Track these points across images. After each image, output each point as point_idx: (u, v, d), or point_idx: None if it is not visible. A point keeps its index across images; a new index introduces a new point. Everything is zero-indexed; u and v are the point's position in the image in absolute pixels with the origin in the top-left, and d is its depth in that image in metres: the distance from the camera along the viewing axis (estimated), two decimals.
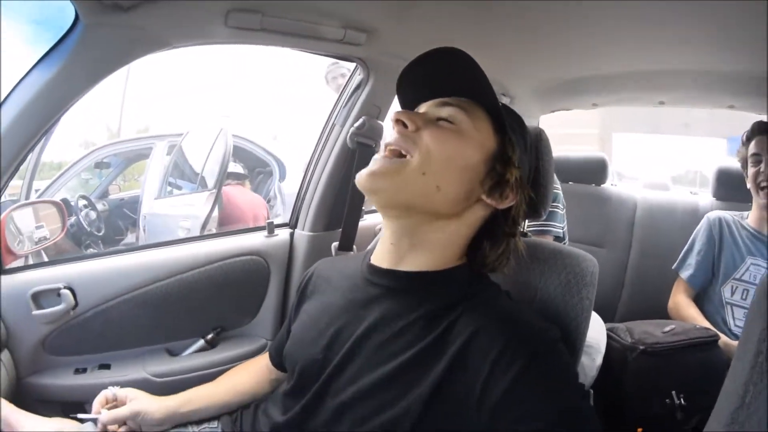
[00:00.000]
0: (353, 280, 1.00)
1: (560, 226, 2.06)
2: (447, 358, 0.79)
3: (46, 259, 2.46)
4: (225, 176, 3.49)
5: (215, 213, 3.42)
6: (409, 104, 1.02)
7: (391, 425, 0.79)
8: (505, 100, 2.26)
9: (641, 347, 1.77)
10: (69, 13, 1.08)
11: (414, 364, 0.82)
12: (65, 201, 4.39)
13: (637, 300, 2.54)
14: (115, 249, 1.49)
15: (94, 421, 1.12)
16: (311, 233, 1.79)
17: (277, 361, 1.21)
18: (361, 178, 0.89)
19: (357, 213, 1.76)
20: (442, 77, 0.94)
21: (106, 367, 1.55)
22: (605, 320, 1.89)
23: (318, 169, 1.79)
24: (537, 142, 1.09)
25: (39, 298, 1.45)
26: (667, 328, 1.83)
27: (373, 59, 1.62)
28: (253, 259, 1.73)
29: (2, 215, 1.45)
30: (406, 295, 0.90)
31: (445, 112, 0.91)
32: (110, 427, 1.11)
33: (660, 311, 2.15)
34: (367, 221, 2.01)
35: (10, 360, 1.41)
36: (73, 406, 1.16)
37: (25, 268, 1.54)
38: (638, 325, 1.93)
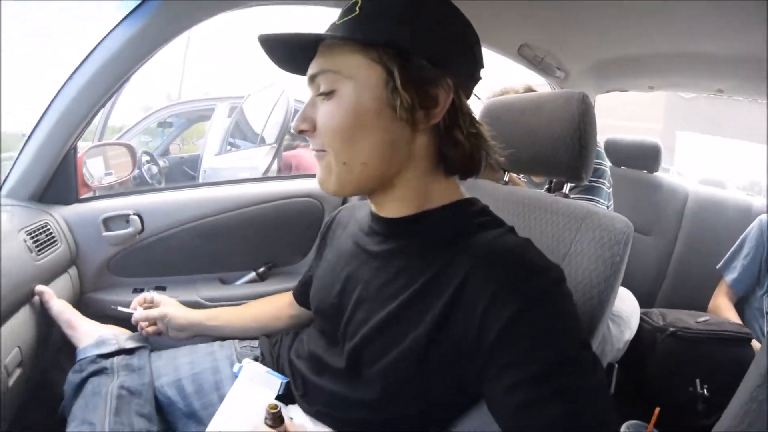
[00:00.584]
0: (362, 226, 1.00)
1: (604, 203, 2.03)
2: (445, 296, 0.77)
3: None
4: (285, 133, 3.54)
5: (274, 167, 3.48)
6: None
7: (395, 366, 0.80)
8: (559, 74, 2.26)
9: (671, 329, 1.79)
10: None
11: (413, 304, 0.81)
12: None
13: (678, 292, 2.48)
14: (180, 184, 1.59)
15: (129, 316, 1.26)
16: None
17: (301, 299, 1.28)
18: (320, 187, 0.89)
19: None
20: (295, 57, 0.87)
21: (161, 288, 1.68)
22: (643, 306, 1.89)
23: None
24: (579, 106, 1.08)
25: (109, 222, 1.60)
26: (701, 319, 1.84)
27: None
28: (309, 201, 1.83)
29: (80, 154, 1.57)
30: (402, 238, 0.89)
31: (321, 83, 0.83)
32: (141, 324, 1.25)
33: (699, 307, 2.11)
34: None
35: (77, 276, 1.56)
36: (127, 321, 1.28)
37: (98, 197, 1.68)
38: (673, 312, 1.95)
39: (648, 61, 2.09)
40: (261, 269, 1.81)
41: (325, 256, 1.12)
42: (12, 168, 1.49)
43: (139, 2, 1.26)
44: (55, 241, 1.42)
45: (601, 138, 2.80)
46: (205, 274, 1.77)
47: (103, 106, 1.43)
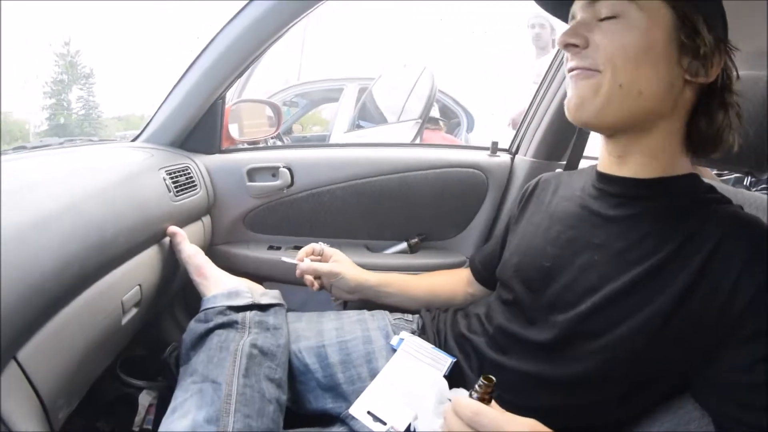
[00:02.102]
0: (585, 189, 0.94)
1: None
2: (694, 265, 0.74)
3: None
4: (430, 109, 3.45)
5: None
6: (557, 7, 0.94)
7: (630, 338, 0.76)
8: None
9: None
10: None
11: (657, 273, 0.77)
12: None
13: None
14: (337, 143, 1.50)
15: (295, 266, 1.20)
16: (533, 159, 1.67)
17: (483, 275, 1.20)
18: (568, 111, 0.84)
19: (583, 144, 1.61)
20: None
21: (299, 248, 1.55)
22: None
23: (548, 96, 1.65)
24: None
25: (254, 174, 1.53)
26: None
27: None
28: (474, 172, 1.64)
29: (228, 105, 1.54)
30: (641, 202, 0.84)
31: (602, 8, 0.80)
32: (307, 277, 1.18)
33: None
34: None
35: (210, 225, 1.52)
36: (259, 280, 1.20)
37: (244, 149, 1.63)
38: None
39: None
40: (413, 240, 1.64)
41: (529, 220, 1.04)
42: (154, 115, 1.49)
43: None
44: (195, 185, 1.39)
45: None
46: (351, 239, 1.65)
47: (255, 60, 1.40)
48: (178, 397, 0.87)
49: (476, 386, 0.69)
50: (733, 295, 0.70)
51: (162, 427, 0.83)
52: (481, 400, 0.68)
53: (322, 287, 1.20)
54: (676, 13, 0.77)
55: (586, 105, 0.81)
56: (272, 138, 2.23)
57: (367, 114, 4.07)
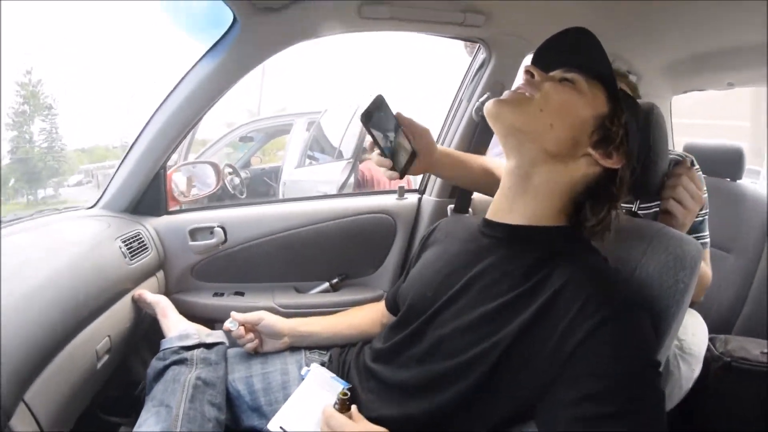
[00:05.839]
0: (470, 232, 1.11)
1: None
2: (537, 305, 0.86)
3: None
4: (362, 149, 3.67)
5: (351, 180, 3.62)
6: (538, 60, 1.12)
7: (480, 357, 0.88)
8: (631, 78, 2.18)
9: (726, 359, 1.62)
10: (227, 15, 1.36)
11: (509, 307, 0.89)
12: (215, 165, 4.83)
13: (760, 318, 2.09)
14: (262, 200, 1.69)
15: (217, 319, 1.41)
16: (438, 199, 1.91)
17: (392, 305, 1.32)
18: (489, 104, 0.99)
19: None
20: (568, 51, 1.03)
21: (240, 293, 1.85)
22: (719, 332, 1.75)
23: (447, 140, 1.90)
24: (648, 116, 1.06)
25: (195, 233, 1.77)
26: (766, 350, 1.65)
27: (494, 39, 1.71)
28: (382, 216, 1.91)
29: (169, 171, 1.76)
30: (512, 246, 0.99)
31: (568, 75, 1.00)
32: (248, 346, 1.31)
33: None
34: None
35: (164, 278, 1.76)
36: (208, 322, 1.46)
37: (186, 210, 1.85)
38: (741, 340, 1.73)
39: (726, 57, 1.97)
40: (334, 280, 1.90)
41: (425, 256, 1.22)
42: (109, 183, 1.71)
43: (222, 34, 1.43)
44: (146, 248, 1.62)
45: (681, 140, 2.63)
46: (282, 283, 1.89)
47: (191, 129, 1.63)
48: (142, 416, 1.10)
49: (336, 398, 0.95)
50: (565, 337, 0.80)
51: None
52: (341, 409, 0.94)
53: (256, 348, 1.31)
54: (609, 108, 0.97)
55: (504, 108, 0.98)
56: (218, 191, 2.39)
57: (317, 146, 4.29)
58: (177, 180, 1.90)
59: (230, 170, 4.74)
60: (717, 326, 1.72)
